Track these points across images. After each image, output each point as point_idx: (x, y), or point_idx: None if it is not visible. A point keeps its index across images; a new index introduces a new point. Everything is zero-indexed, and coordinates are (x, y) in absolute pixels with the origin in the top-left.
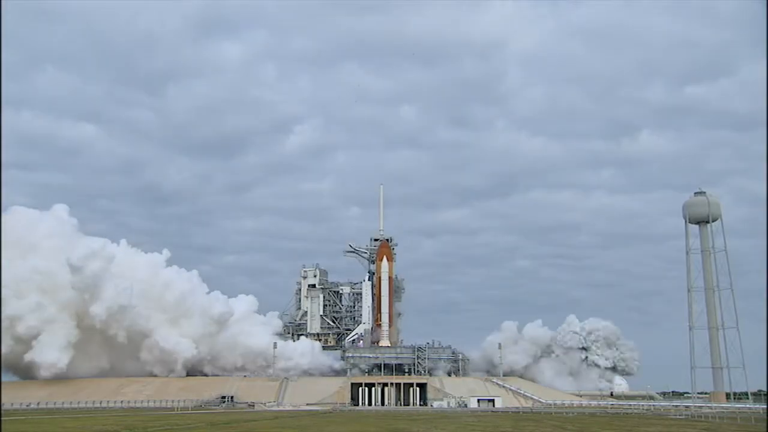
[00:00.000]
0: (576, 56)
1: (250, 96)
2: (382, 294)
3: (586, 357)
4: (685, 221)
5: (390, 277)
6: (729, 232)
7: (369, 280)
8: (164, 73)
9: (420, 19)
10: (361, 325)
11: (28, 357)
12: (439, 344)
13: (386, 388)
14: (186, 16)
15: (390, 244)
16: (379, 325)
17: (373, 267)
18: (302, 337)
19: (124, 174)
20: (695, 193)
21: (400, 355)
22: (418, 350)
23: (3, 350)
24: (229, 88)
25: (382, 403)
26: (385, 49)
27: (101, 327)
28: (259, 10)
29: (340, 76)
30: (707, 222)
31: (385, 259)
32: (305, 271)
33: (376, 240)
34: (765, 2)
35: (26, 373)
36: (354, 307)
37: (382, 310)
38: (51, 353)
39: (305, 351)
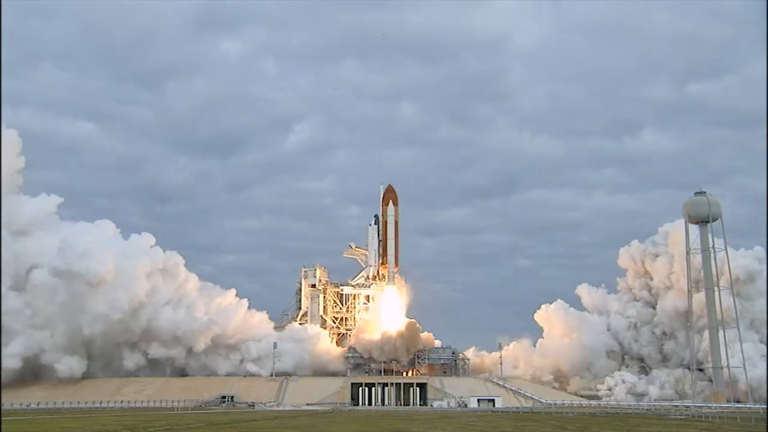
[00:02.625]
0: (578, 53)
1: (249, 93)
2: (388, 237)
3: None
4: (685, 221)
5: (396, 221)
6: (731, 231)
7: (375, 224)
8: (163, 70)
9: (421, 16)
10: (367, 267)
11: (42, 361)
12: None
13: (386, 388)
14: (185, 12)
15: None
16: (386, 267)
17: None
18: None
19: (123, 172)
20: (695, 193)
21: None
22: (418, 350)
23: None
24: (228, 86)
25: (383, 403)
26: (385, 45)
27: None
28: (257, 6)
29: (340, 74)
30: (707, 222)
31: (390, 203)
32: (305, 271)
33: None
34: (766, 1)
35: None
36: (354, 306)
37: (388, 252)
38: (64, 360)
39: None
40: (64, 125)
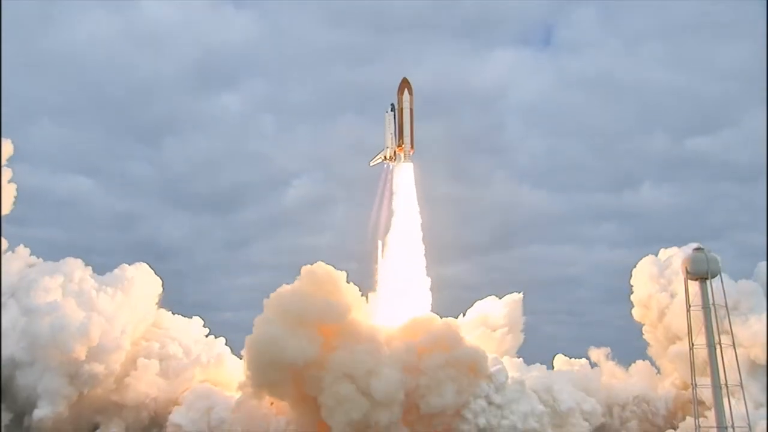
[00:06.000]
0: (576, 107)
1: (248, 149)
2: (404, 123)
3: None
4: (685, 278)
5: (411, 108)
6: (730, 287)
7: (392, 111)
8: (161, 125)
9: (419, 70)
10: (385, 149)
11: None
12: None
13: None
14: (183, 67)
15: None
16: (402, 149)
17: None
18: None
19: (120, 228)
20: (694, 250)
21: None
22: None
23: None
24: (227, 141)
25: None
26: (384, 100)
27: None
28: (256, 61)
29: (338, 129)
30: (706, 278)
31: (406, 91)
32: None
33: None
34: (766, 54)
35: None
36: None
37: (404, 134)
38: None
39: None
40: (60, 180)
